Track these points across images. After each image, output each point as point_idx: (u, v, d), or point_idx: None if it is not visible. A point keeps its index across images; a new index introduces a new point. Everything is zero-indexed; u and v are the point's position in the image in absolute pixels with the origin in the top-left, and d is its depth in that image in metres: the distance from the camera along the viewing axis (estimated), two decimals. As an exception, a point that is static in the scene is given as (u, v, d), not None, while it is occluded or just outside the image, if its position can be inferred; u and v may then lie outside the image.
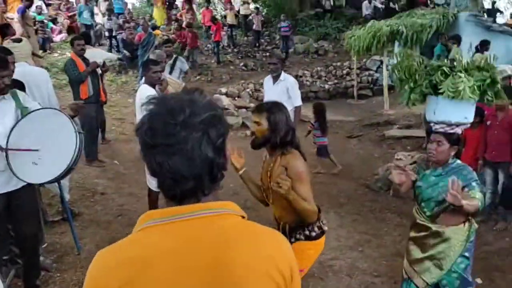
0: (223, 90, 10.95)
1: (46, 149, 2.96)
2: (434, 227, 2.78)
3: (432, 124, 2.91)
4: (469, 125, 2.93)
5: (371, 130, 9.12)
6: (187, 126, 0.94)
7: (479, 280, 3.72)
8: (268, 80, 5.57)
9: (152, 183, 4.45)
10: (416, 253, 2.87)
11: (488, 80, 2.76)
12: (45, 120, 3.05)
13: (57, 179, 3.11)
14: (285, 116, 2.49)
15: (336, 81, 13.32)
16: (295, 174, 2.34)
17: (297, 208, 2.35)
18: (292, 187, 2.28)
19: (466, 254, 2.76)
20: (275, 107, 2.50)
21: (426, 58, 3.01)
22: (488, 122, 4.78)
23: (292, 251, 1.07)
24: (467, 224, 2.75)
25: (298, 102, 5.34)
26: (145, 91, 4.22)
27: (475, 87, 2.69)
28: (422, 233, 2.85)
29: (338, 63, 13.79)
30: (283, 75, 5.39)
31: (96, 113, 6.17)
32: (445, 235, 2.74)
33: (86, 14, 12.68)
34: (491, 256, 4.17)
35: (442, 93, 2.75)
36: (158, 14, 15.40)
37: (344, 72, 13.51)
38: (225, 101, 9.69)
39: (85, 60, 5.97)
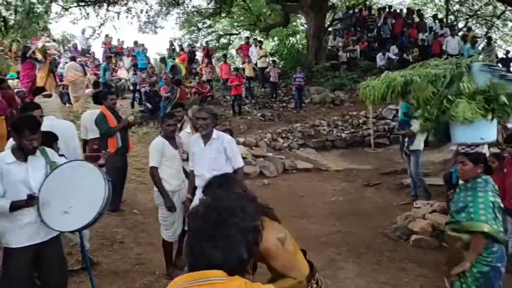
0: (241, 139, 11.16)
1: (76, 197, 3.12)
2: (456, 236, 3.00)
3: (457, 146, 3.38)
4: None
5: (389, 178, 9.07)
6: (237, 228, 1.14)
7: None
8: (196, 140, 4.35)
9: (164, 233, 4.52)
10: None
11: (492, 98, 3.10)
12: (73, 171, 3.25)
13: (89, 225, 3.23)
14: (239, 191, 2.19)
15: (352, 130, 13.42)
16: (264, 252, 2.07)
17: None
18: (269, 266, 2.18)
19: (484, 263, 2.90)
20: (223, 182, 2.29)
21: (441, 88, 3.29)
22: (505, 170, 4.75)
23: None
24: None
25: (239, 163, 4.35)
26: (156, 142, 4.61)
27: (476, 108, 2.98)
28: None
29: (354, 112, 13.96)
30: (216, 132, 4.33)
31: (122, 165, 6.33)
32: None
33: (108, 75, 13.34)
34: (518, 309, 4.00)
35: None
36: (179, 65, 16.07)
37: (361, 121, 13.65)
38: (243, 150, 9.85)
39: (114, 113, 6.21)
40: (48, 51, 11.01)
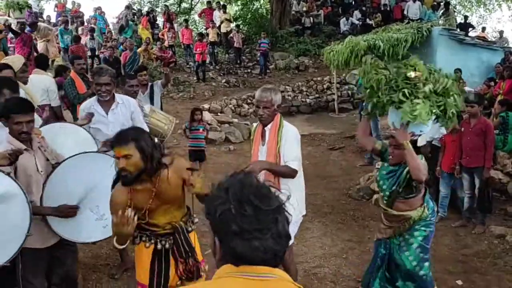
0: (206, 106, 11.03)
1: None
2: (390, 212, 3.10)
3: (391, 129, 3.07)
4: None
5: (352, 141, 9.28)
6: (278, 211, 1.07)
7: (459, 282, 3.83)
8: (91, 107, 3.68)
9: None
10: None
11: (442, 107, 2.84)
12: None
13: None
14: (148, 136, 2.39)
15: (317, 95, 13.55)
16: (188, 172, 2.41)
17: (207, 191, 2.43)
18: (191, 184, 2.36)
19: (423, 228, 3.08)
20: (137, 132, 2.35)
21: (391, 70, 2.97)
22: (462, 129, 4.95)
23: None
24: (419, 208, 3.05)
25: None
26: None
27: (430, 110, 2.78)
28: (384, 216, 3.20)
29: (319, 78, 14.05)
30: (120, 96, 3.80)
31: None
32: (402, 216, 3.07)
33: (66, 39, 12.64)
34: (470, 259, 4.29)
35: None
36: (142, 33, 15.50)
37: (325, 86, 13.78)
38: (208, 116, 9.75)
39: (84, 79, 5.87)
40: None
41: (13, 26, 10.95)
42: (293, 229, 3.17)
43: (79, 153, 2.88)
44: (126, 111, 3.70)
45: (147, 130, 3.58)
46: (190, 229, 2.61)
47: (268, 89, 3.14)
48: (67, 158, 2.82)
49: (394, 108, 2.89)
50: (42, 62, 6.28)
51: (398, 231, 3.12)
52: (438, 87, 2.85)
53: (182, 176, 2.42)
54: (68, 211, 2.69)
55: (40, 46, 11.45)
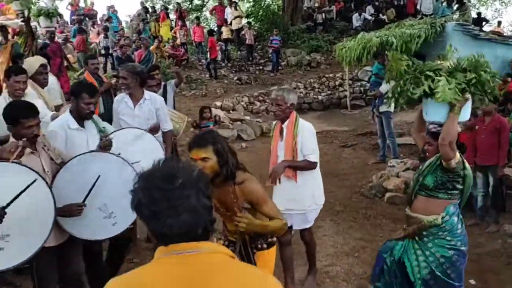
0: (218, 103, 11.09)
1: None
2: (406, 212, 3.04)
3: (427, 125, 3.06)
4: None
5: (365, 139, 9.26)
6: (185, 186, 1.12)
7: (472, 281, 3.81)
8: (122, 99, 4.04)
9: None
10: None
11: (474, 81, 2.73)
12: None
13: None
14: (225, 141, 2.35)
15: (329, 92, 13.51)
16: (258, 199, 2.31)
17: (267, 232, 2.38)
18: (259, 211, 2.31)
19: (448, 246, 2.81)
20: (215, 136, 2.31)
21: (416, 60, 2.97)
22: (477, 127, 4.92)
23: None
24: (435, 216, 2.83)
25: (169, 126, 4.18)
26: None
27: (457, 89, 2.68)
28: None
29: (331, 75, 14.00)
30: (148, 93, 4.12)
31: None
32: (415, 220, 2.93)
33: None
34: (483, 258, 4.27)
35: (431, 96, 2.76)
36: (164, 30, 15.61)
37: (337, 83, 13.73)
38: (220, 114, 9.80)
39: (98, 79, 5.90)
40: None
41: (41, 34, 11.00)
42: (312, 217, 3.66)
43: (85, 152, 2.91)
44: (152, 107, 4.00)
45: (171, 126, 4.21)
46: (259, 246, 2.48)
47: (282, 88, 3.63)
48: (73, 157, 2.82)
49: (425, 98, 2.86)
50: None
51: (411, 236, 2.93)
52: (461, 64, 2.81)
53: (248, 200, 2.32)
54: (73, 210, 2.68)
55: None
